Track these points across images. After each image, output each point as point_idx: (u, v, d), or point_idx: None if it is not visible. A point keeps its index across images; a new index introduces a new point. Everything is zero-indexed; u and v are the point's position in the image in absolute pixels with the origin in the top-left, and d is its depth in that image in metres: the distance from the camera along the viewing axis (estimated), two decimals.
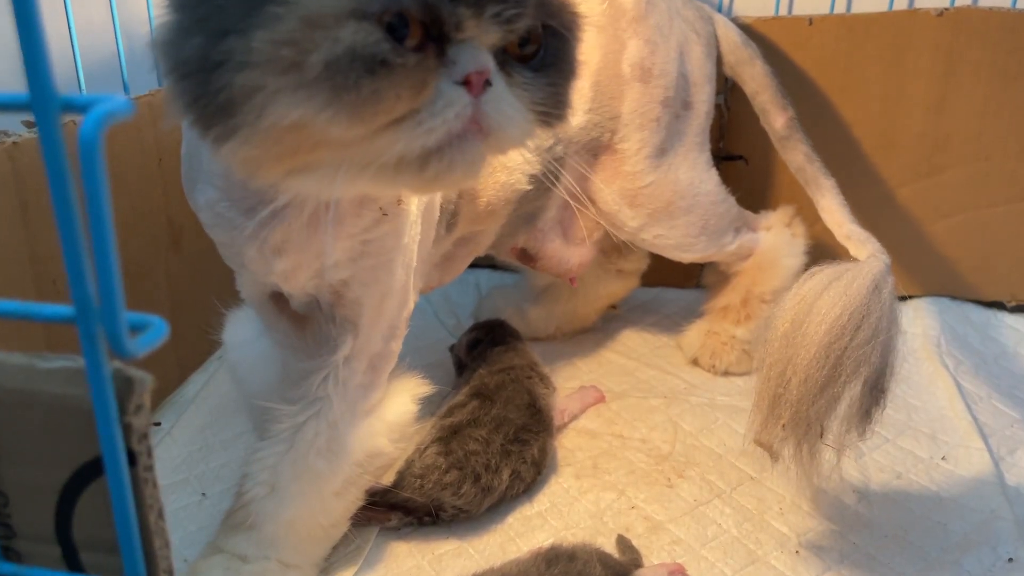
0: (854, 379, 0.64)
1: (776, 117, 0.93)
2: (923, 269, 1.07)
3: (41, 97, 0.26)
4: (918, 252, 1.06)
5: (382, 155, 0.45)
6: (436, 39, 0.44)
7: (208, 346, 0.97)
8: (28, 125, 0.66)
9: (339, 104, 0.41)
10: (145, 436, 0.32)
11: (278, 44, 0.40)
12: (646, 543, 0.71)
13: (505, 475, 0.72)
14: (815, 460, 0.66)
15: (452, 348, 0.94)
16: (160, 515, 0.34)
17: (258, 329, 0.71)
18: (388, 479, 0.73)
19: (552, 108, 0.50)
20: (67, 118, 0.27)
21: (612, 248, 1.02)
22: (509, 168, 0.78)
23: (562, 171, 0.81)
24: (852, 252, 0.80)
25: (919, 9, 0.98)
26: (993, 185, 1.02)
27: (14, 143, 0.64)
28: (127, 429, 0.31)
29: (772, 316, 0.69)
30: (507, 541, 0.71)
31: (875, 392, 0.66)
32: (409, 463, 0.73)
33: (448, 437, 0.73)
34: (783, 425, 0.64)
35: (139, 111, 0.81)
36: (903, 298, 1.07)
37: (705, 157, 0.93)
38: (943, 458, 0.81)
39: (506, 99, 0.47)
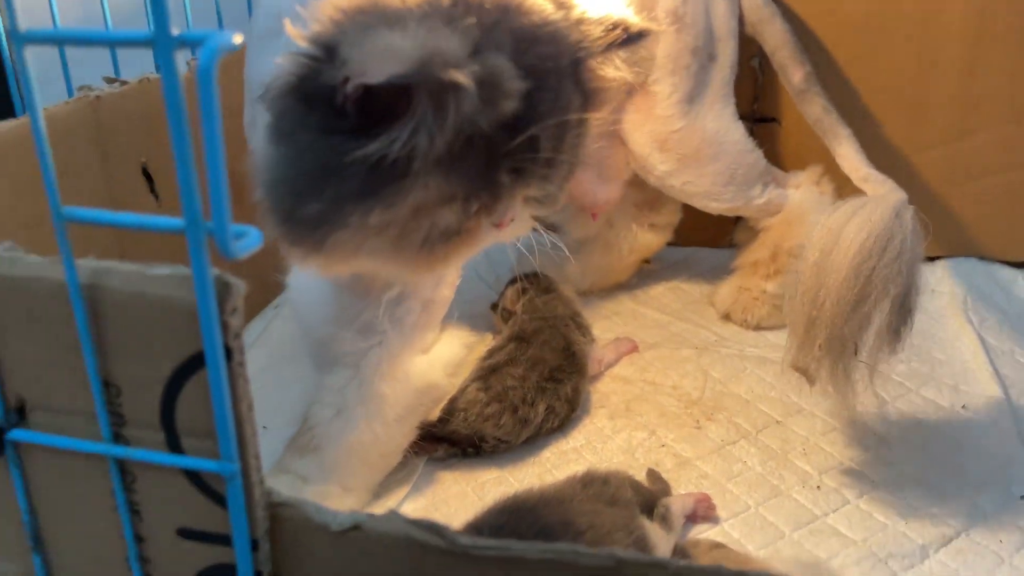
0: (883, 298, 0.69)
1: (795, 72, 0.97)
2: (952, 230, 1.09)
3: (161, 34, 0.31)
4: (947, 213, 1.08)
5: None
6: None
7: (264, 296, 1.03)
8: (109, 81, 0.71)
9: (417, 261, 0.55)
10: (239, 335, 0.37)
11: (390, 223, 0.51)
12: (675, 477, 0.75)
13: (540, 409, 0.77)
14: (850, 379, 0.70)
15: (494, 306, 0.98)
16: (250, 406, 0.39)
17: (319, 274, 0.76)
18: (434, 415, 0.79)
19: (548, 206, 0.61)
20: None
21: (644, 202, 1.06)
22: None
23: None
24: (869, 192, 0.84)
25: None
26: (1022, 148, 1.04)
27: (97, 97, 0.70)
28: (225, 327, 0.36)
29: (801, 248, 0.74)
30: (544, 472, 0.77)
31: (903, 311, 0.70)
32: (453, 400, 0.79)
33: (487, 375, 0.79)
34: (819, 346, 0.69)
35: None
36: (932, 258, 1.10)
37: (730, 110, 0.96)
38: (963, 406, 0.84)
39: (521, 219, 0.60)
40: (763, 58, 1.04)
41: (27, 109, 0.33)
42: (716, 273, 1.11)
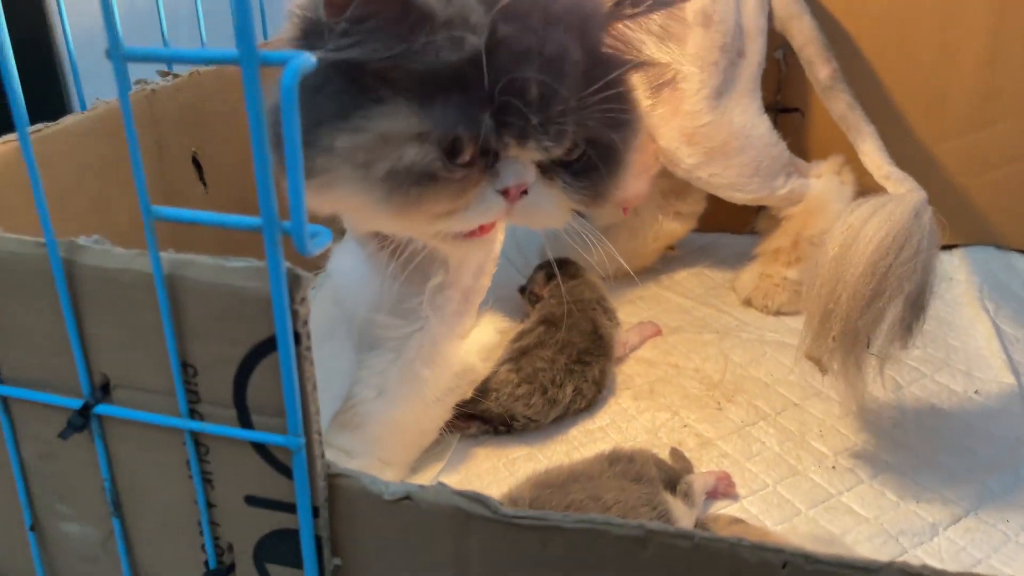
0: (898, 294, 0.72)
1: (821, 68, 0.99)
2: (970, 219, 1.12)
3: (247, 54, 0.35)
4: (966, 202, 1.11)
5: (428, 233, 0.59)
6: (488, 154, 0.54)
7: None
8: (163, 75, 0.75)
9: (389, 201, 0.53)
10: (306, 322, 0.41)
11: (356, 148, 0.52)
12: (696, 456, 0.79)
13: (568, 390, 0.81)
14: (861, 370, 0.73)
15: (522, 289, 1.02)
16: (314, 387, 0.44)
17: (359, 258, 0.80)
18: (468, 394, 0.83)
19: (590, 198, 0.60)
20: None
21: (671, 191, 1.09)
22: None
23: None
24: (890, 190, 0.87)
25: None
26: None
27: (152, 90, 0.74)
28: (294, 315, 0.40)
29: (822, 242, 0.77)
30: (572, 450, 0.80)
31: (916, 308, 0.73)
32: (485, 380, 0.82)
33: (518, 357, 0.82)
34: (833, 337, 0.72)
35: None
36: (949, 247, 1.13)
37: (757, 104, 0.99)
38: (976, 392, 0.87)
39: (542, 199, 0.58)
40: (787, 49, 1.07)
41: (125, 122, 0.36)
42: (738, 259, 1.14)
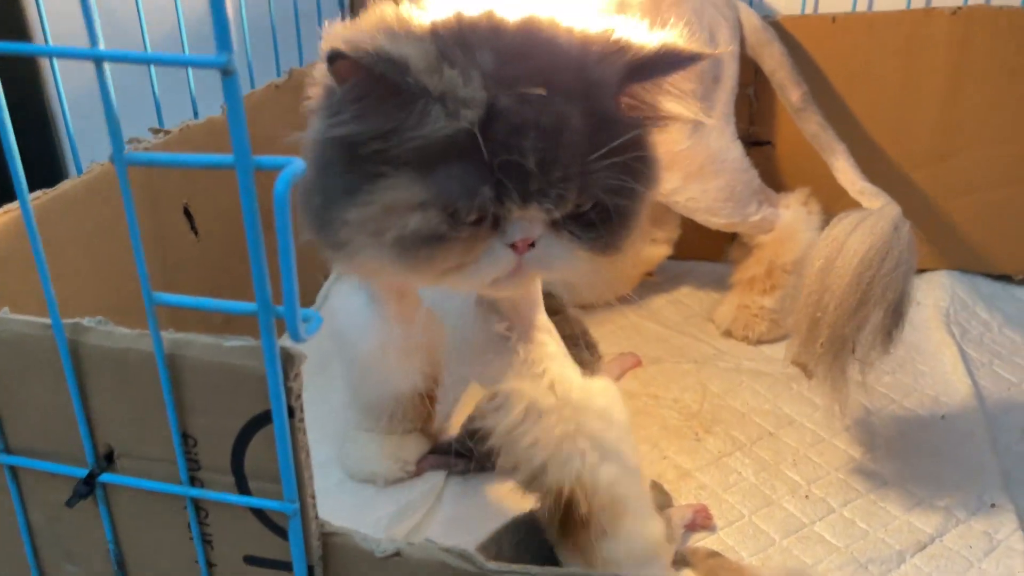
0: (881, 303, 0.77)
1: (792, 91, 1.03)
2: (936, 245, 1.15)
3: (242, 160, 0.38)
4: (932, 229, 1.14)
5: (444, 286, 0.62)
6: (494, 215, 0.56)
7: None
8: (155, 132, 0.78)
9: (402, 262, 0.56)
10: (299, 396, 0.44)
11: (366, 220, 0.55)
12: (676, 488, 0.82)
13: None
14: (845, 374, 0.78)
15: None
16: (307, 454, 0.46)
17: (364, 301, 0.80)
18: (454, 432, 0.86)
19: (601, 249, 0.60)
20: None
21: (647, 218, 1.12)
22: None
23: None
24: (865, 204, 0.91)
25: (935, 8, 1.07)
26: (1002, 168, 1.10)
27: (145, 148, 0.76)
28: (288, 391, 0.42)
29: (807, 256, 0.81)
30: None
31: (896, 315, 0.78)
32: (471, 419, 0.85)
33: None
34: (821, 344, 0.76)
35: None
36: (918, 272, 1.17)
37: (731, 129, 1.03)
38: (942, 417, 0.91)
39: (552, 249, 0.58)
40: (757, 86, 1.11)
41: (127, 217, 0.39)
42: (715, 286, 1.17)
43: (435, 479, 0.83)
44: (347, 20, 0.62)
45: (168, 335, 0.44)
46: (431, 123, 0.53)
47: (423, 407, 0.86)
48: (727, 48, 0.98)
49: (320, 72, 0.56)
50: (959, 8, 1.04)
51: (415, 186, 0.54)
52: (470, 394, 0.92)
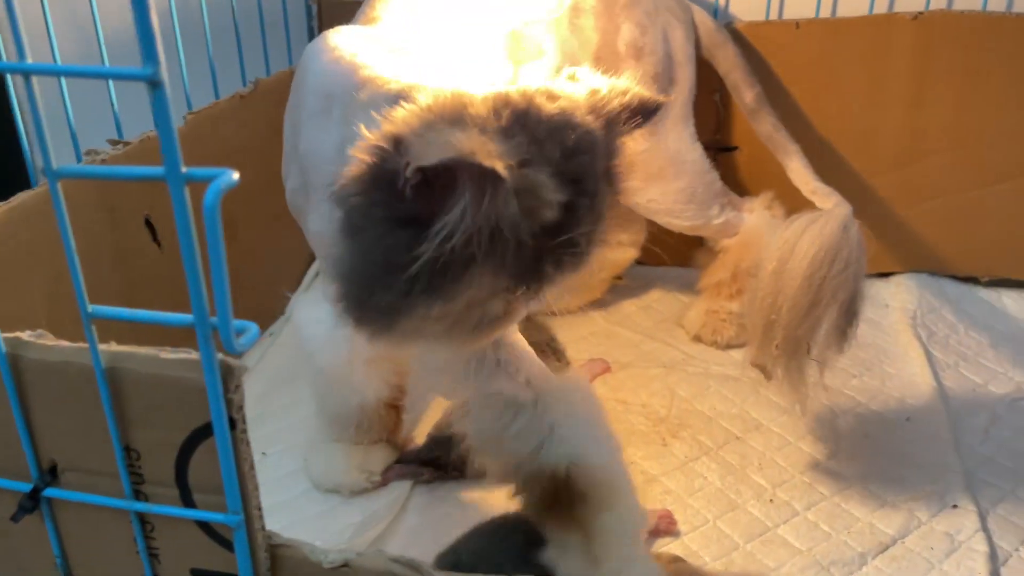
0: (833, 303, 0.78)
1: (746, 92, 1.04)
2: (905, 248, 1.16)
3: (173, 172, 0.37)
4: (900, 232, 1.15)
5: None
6: None
7: (261, 324, 1.09)
8: (113, 143, 0.78)
9: (472, 340, 0.61)
10: (241, 407, 0.43)
11: (448, 313, 0.57)
12: (642, 493, 0.82)
13: None
14: (803, 374, 0.79)
15: None
16: (251, 466, 0.46)
17: (330, 313, 0.79)
18: (421, 441, 0.86)
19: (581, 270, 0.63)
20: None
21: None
22: None
23: None
24: (818, 204, 0.93)
25: (897, 13, 1.08)
26: (967, 172, 1.11)
27: (103, 160, 0.76)
28: (229, 403, 0.42)
29: (760, 259, 0.82)
30: None
31: (849, 314, 0.79)
32: (438, 427, 0.85)
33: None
34: (776, 345, 0.77)
35: (197, 126, 0.93)
36: (886, 274, 1.18)
37: (690, 131, 1.03)
38: (908, 419, 0.91)
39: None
40: (724, 91, 1.11)
41: (61, 233, 0.39)
42: (684, 291, 1.18)
43: (401, 489, 0.83)
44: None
45: (108, 348, 0.43)
46: (516, 220, 0.53)
47: (390, 417, 0.86)
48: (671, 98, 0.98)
49: (365, 152, 0.54)
50: (920, 13, 1.05)
51: (497, 279, 0.56)
52: (437, 403, 0.92)
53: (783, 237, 0.82)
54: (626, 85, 0.61)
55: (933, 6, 1.08)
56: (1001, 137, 1.09)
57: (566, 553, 0.67)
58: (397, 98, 0.57)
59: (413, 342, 0.63)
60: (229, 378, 0.42)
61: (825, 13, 1.13)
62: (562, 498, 0.68)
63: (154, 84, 0.35)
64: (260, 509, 0.46)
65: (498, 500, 0.82)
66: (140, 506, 0.46)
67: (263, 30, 1.08)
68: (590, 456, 0.69)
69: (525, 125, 0.55)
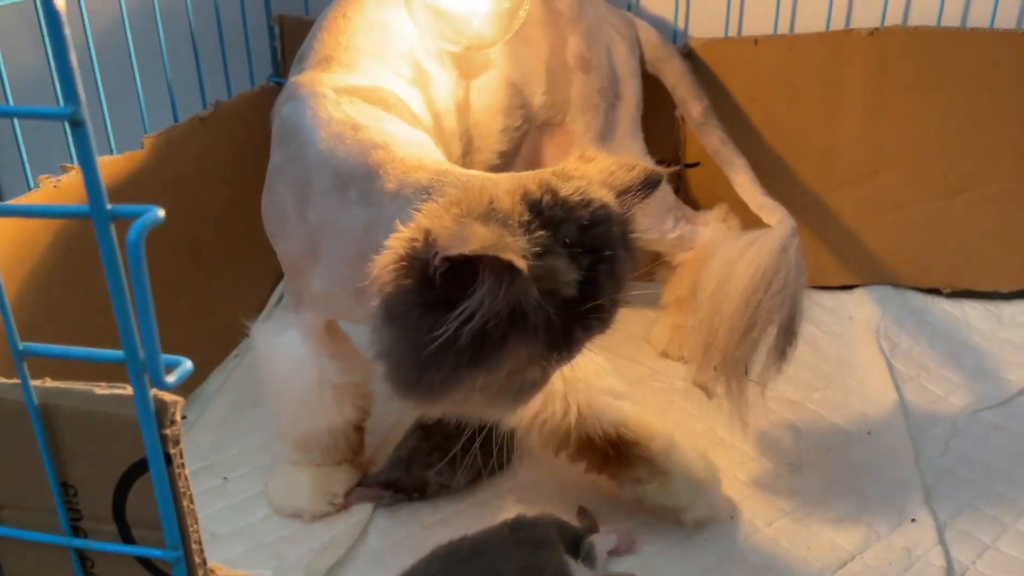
0: (770, 324, 0.78)
1: (693, 106, 1.05)
2: (867, 260, 1.17)
3: (98, 210, 0.37)
4: (862, 245, 1.16)
5: None
6: None
7: (226, 347, 1.09)
8: (66, 169, 0.77)
9: (513, 406, 0.66)
10: (177, 442, 0.43)
11: (491, 383, 0.61)
12: (603, 512, 0.82)
13: (480, 455, 0.83)
14: (743, 394, 0.80)
15: None
16: (191, 500, 0.46)
17: (294, 339, 0.81)
18: (379, 463, 0.85)
19: None
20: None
21: None
22: (482, 149, 0.90)
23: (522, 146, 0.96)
24: (764, 219, 0.93)
25: (853, 29, 1.09)
26: (926, 184, 1.12)
27: (55, 186, 0.75)
28: (164, 438, 0.42)
29: (699, 279, 0.83)
30: (485, 512, 0.83)
31: (788, 334, 0.80)
32: (398, 448, 0.85)
33: (429, 426, 0.85)
34: (715, 367, 0.77)
35: (155, 151, 0.92)
36: (849, 287, 1.18)
37: (640, 144, 1.03)
38: (869, 432, 0.92)
39: None
40: None
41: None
42: (648, 307, 1.18)
43: (362, 512, 0.83)
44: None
45: (40, 385, 0.43)
46: (534, 302, 0.57)
47: (356, 438, 0.86)
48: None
49: (400, 244, 0.58)
50: (876, 29, 1.06)
51: (534, 348, 0.59)
52: (399, 424, 0.92)
53: (721, 258, 0.83)
54: (633, 160, 0.66)
55: (889, 22, 1.09)
56: (958, 150, 1.10)
57: (639, 487, 0.78)
58: (427, 191, 0.63)
59: (459, 410, 0.68)
60: (164, 413, 0.41)
61: (783, 30, 1.14)
62: (613, 460, 0.78)
63: (75, 124, 0.35)
64: (200, 543, 0.46)
65: (462, 519, 0.82)
66: (79, 542, 0.45)
67: (223, 50, 1.08)
68: (634, 417, 0.79)
69: (541, 213, 0.58)
